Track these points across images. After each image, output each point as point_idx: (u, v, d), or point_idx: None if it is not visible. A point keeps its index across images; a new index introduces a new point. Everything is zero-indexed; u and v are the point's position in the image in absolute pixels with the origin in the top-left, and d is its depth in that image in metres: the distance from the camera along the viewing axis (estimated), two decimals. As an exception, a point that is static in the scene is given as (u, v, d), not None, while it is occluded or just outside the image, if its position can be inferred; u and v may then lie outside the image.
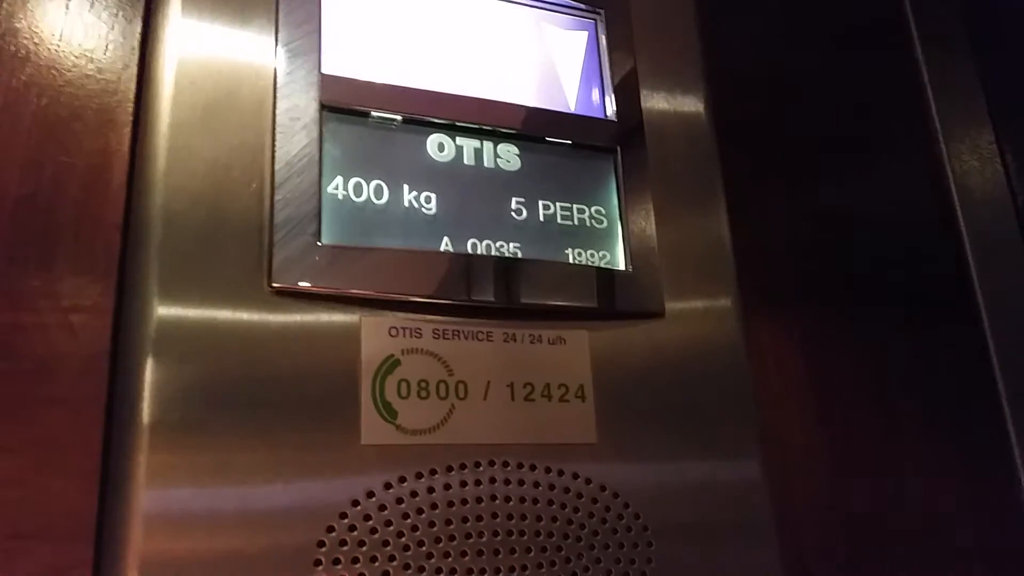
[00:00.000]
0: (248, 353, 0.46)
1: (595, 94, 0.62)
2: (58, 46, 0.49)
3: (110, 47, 0.50)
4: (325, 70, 0.53)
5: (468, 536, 0.48)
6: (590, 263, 0.57)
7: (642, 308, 0.56)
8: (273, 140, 0.50)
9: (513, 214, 0.56)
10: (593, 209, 0.58)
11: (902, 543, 0.65)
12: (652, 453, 0.53)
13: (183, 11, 0.51)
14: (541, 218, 0.57)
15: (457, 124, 0.56)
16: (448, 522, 0.47)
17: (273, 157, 0.50)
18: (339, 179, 0.52)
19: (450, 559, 0.47)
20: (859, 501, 0.65)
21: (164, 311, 0.45)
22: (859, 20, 0.83)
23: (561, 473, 0.51)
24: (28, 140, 0.47)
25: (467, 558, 0.47)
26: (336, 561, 0.44)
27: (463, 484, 0.48)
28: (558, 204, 0.58)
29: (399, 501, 0.47)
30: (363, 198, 0.52)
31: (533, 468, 0.50)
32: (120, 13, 0.51)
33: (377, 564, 0.45)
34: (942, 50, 0.82)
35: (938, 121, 0.80)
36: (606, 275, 0.56)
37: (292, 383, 0.46)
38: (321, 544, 0.44)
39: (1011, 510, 0.69)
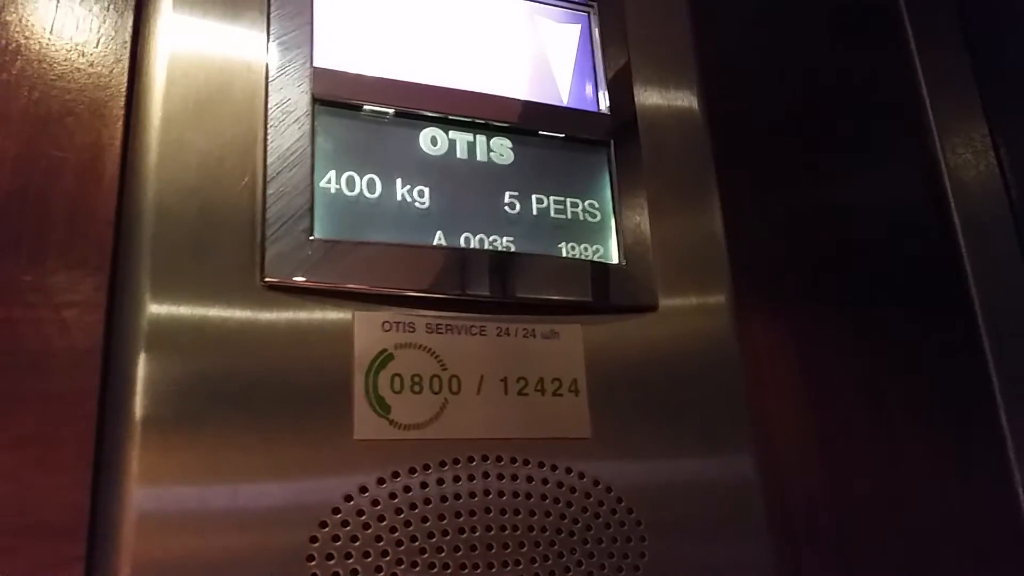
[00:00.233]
0: (241, 348, 0.46)
1: (588, 87, 0.62)
2: (49, 40, 0.49)
3: (101, 41, 0.50)
4: (317, 63, 0.53)
5: (461, 531, 0.48)
6: (583, 257, 0.57)
7: (636, 302, 0.56)
8: (265, 134, 0.50)
9: (506, 208, 0.56)
10: (586, 203, 0.58)
11: (896, 541, 0.65)
12: (645, 448, 0.53)
13: (175, 4, 0.51)
14: (534, 212, 0.57)
15: (450, 117, 0.56)
16: (441, 517, 0.47)
17: (265, 151, 0.50)
18: (332, 173, 0.52)
19: (443, 554, 0.47)
20: (852, 497, 0.65)
21: (156, 306, 0.45)
22: (854, 14, 0.83)
23: (555, 468, 0.51)
24: (19, 134, 0.47)
25: (460, 553, 0.47)
26: (329, 556, 0.44)
27: (456, 479, 0.48)
28: (551, 198, 0.57)
29: (392, 496, 0.47)
30: (356, 192, 0.52)
31: (527, 463, 0.50)
32: (111, 6, 0.51)
33: (370, 559, 0.45)
34: (936, 43, 0.82)
35: (932, 114, 0.80)
36: (599, 269, 0.56)
37: (285, 378, 0.46)
38: (314, 539, 0.44)
39: (1006, 508, 0.69)
